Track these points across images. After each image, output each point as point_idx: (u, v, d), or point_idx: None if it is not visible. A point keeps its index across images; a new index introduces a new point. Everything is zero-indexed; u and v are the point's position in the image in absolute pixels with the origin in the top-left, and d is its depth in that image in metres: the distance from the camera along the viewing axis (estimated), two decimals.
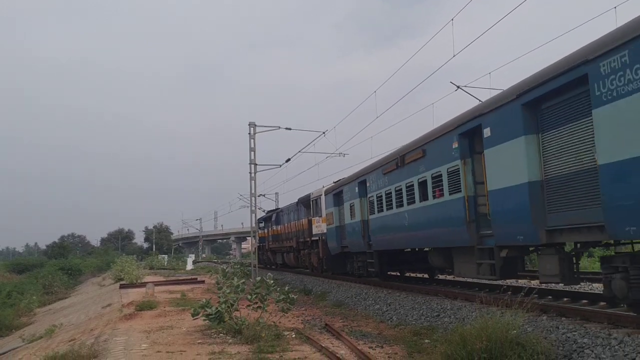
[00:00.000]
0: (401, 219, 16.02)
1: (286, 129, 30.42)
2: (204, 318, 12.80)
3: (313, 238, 27.49)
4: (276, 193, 63.06)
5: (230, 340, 11.60)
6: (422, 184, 14.50)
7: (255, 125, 28.75)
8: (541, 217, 9.71)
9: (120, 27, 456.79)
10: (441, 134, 13.35)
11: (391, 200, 16.76)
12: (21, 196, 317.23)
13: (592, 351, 7.68)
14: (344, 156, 33.99)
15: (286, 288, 13.58)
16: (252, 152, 28.63)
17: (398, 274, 20.95)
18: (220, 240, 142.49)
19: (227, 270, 16.84)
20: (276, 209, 41.34)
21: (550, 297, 11.93)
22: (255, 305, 12.93)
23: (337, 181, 24.06)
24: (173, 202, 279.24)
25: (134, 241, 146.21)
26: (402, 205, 15.91)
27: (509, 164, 10.43)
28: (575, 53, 8.76)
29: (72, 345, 12.51)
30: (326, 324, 13.52)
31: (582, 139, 8.76)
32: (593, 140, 8.31)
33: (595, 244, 10.05)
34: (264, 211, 49.49)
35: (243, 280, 14.19)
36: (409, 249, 18.50)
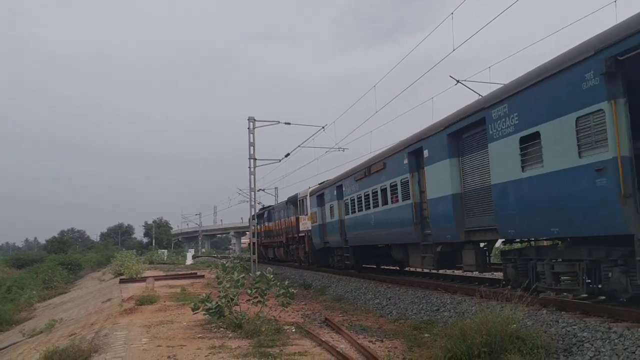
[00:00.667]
0: (369, 219, 19.02)
1: (285, 123, 30.35)
2: (204, 312, 12.82)
3: (300, 234, 30.37)
4: (275, 188, 62.97)
5: (230, 335, 11.61)
6: (384, 191, 17.50)
7: (255, 120, 28.70)
8: (461, 221, 12.81)
9: (120, 22, 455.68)
10: (397, 151, 16.51)
11: (361, 203, 19.76)
12: (21, 191, 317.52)
13: (592, 345, 7.70)
14: (343, 151, 33.95)
15: (286, 282, 13.59)
16: (252, 147, 28.59)
17: (374, 266, 23.56)
18: (219, 235, 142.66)
19: (227, 264, 16.86)
20: (268, 207, 43.70)
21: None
22: (255, 300, 12.95)
23: (321, 183, 27.09)
24: (172, 197, 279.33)
25: (133, 236, 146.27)
26: (369, 208, 18.93)
27: (440, 179, 13.54)
28: (479, 100, 12.28)
29: (73, 340, 12.51)
30: (326, 319, 13.54)
31: (484, 163, 11.82)
32: (489, 166, 11.38)
33: (494, 242, 13.39)
34: (262, 206, 49.46)
35: (243, 275, 14.21)
36: (378, 245, 20.54)
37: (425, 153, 14.39)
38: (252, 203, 30.24)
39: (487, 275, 16.04)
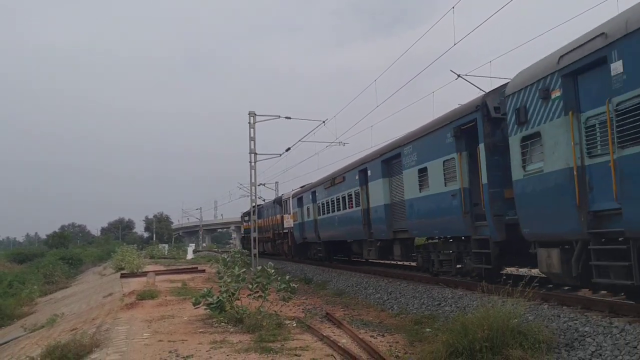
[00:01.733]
0: (335, 220, 24.08)
1: (286, 118, 30.26)
2: (205, 307, 12.83)
3: (284, 231, 35.05)
4: (276, 182, 62.94)
5: (231, 330, 11.62)
6: (344, 198, 22.68)
7: (255, 115, 28.61)
8: (390, 224, 17.97)
9: (119, 15, 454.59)
10: (351, 169, 21.70)
11: (329, 207, 24.85)
12: (21, 186, 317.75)
13: (594, 339, 7.69)
14: (343, 145, 33.95)
15: (287, 277, 13.59)
16: (252, 142, 28.53)
17: (347, 258, 27.87)
18: (220, 230, 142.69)
19: (227, 259, 16.87)
20: (258, 205, 44.45)
21: (550, 285, 11.91)
22: (256, 295, 12.95)
23: (303, 186, 31.82)
24: (173, 192, 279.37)
25: (134, 230, 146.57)
26: (334, 211, 24.07)
27: (377, 192, 18.74)
28: (397, 140, 17.20)
29: (74, 335, 12.54)
30: (327, 313, 13.55)
31: (401, 184, 16.71)
32: (404, 185, 16.37)
33: (413, 239, 17.39)
34: (263, 200, 49.53)
35: (244, 270, 14.21)
36: (342, 240, 25.16)
37: (369, 172, 19.61)
38: (253, 197, 30.23)
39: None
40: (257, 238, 29.20)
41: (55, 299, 32.70)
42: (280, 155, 33.33)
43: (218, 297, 12.64)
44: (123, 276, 29.96)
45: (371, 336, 10.66)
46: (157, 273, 27.20)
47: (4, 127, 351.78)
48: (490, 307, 8.55)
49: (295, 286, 13.55)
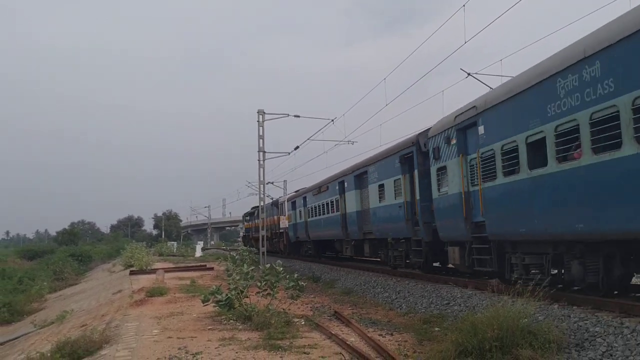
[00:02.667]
0: (321, 222, 28.37)
1: (295, 116, 30.19)
2: (214, 304, 12.87)
3: (280, 230, 38.02)
4: (284, 181, 62.78)
5: (240, 327, 11.65)
6: (328, 204, 26.89)
7: (264, 113, 28.60)
8: (361, 227, 22.09)
9: (123, 13, 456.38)
10: (333, 180, 26.07)
11: (317, 211, 29.05)
12: (31, 183, 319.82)
13: (604, 340, 7.64)
14: (352, 144, 33.85)
15: (295, 275, 13.59)
16: (261, 140, 28.52)
17: (335, 255, 30.58)
18: (228, 228, 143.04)
19: (236, 257, 16.92)
20: (256, 207, 48.36)
21: (560, 286, 11.84)
22: (265, 292, 12.97)
23: (297, 191, 35.84)
24: (182, 190, 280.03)
25: (143, 228, 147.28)
26: (321, 214, 28.29)
27: (352, 201, 22.94)
28: (364, 160, 21.77)
29: (84, 331, 12.61)
30: (335, 312, 13.55)
31: (367, 195, 20.75)
32: (369, 197, 20.39)
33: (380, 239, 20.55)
34: (272, 199, 49.78)
35: (252, 267, 14.23)
36: (328, 239, 28.83)
37: (346, 184, 24.02)
38: (262, 196, 30.25)
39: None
40: (265, 236, 29.25)
41: (64, 295, 32.92)
42: (289, 153, 33.37)
43: (227, 295, 12.67)
44: (132, 273, 30.11)
45: (380, 335, 10.65)
46: (166, 270, 27.31)
47: (13, 128, 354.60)
48: (500, 306, 8.52)
49: (304, 284, 13.56)
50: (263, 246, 28.59)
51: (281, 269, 13.40)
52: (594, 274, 9.51)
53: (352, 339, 10.17)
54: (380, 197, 19.28)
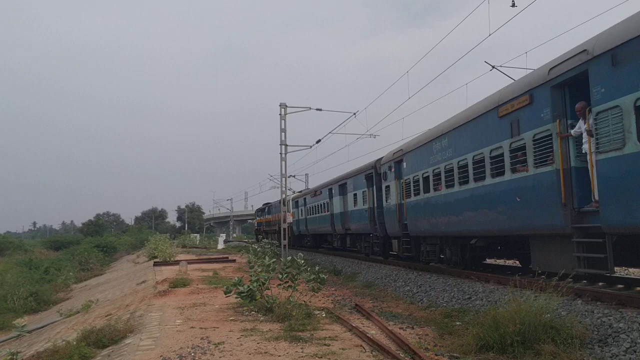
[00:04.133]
0: (316, 219, 34.89)
1: (317, 109, 30.18)
2: (236, 296, 12.96)
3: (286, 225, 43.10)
4: (306, 174, 62.97)
5: (261, 318, 11.74)
6: (321, 205, 33.38)
7: (286, 106, 28.64)
8: (344, 224, 28.30)
9: (150, 10, 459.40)
10: (324, 187, 32.63)
11: (313, 210, 35.53)
12: (58, 177, 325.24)
13: (628, 336, 7.56)
14: (374, 137, 33.84)
15: (316, 268, 13.63)
16: (283, 133, 28.58)
17: (331, 246, 34.94)
18: (250, 220, 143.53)
19: (258, 249, 17.05)
20: (267, 204, 58.06)
21: (585, 281, 11.73)
22: (286, 285, 13.03)
23: (300, 191, 43.76)
24: (205, 183, 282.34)
25: (166, 220, 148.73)
26: (316, 213, 34.92)
27: (337, 204, 29.42)
28: (345, 174, 28.51)
29: (109, 320, 12.82)
30: (356, 304, 13.57)
31: (347, 200, 27.60)
32: (347, 202, 27.73)
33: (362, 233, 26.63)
34: (293, 192, 50.09)
35: (274, 260, 14.32)
36: (321, 234, 35.51)
37: (333, 191, 30.52)
38: (283, 189, 30.37)
39: (518, 264, 16.86)
40: (285, 229, 29.37)
41: (89, 285, 33.46)
42: (311, 147, 33.42)
43: (248, 286, 12.76)
44: (156, 264, 30.47)
45: (400, 328, 10.65)
46: (189, 262, 27.60)
47: (44, 126, 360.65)
48: (523, 301, 8.45)
49: (325, 277, 13.58)
50: (285, 239, 28.72)
51: (302, 261, 13.47)
52: (456, 256, 16.16)
53: (373, 331, 10.18)
54: (355, 203, 26.11)
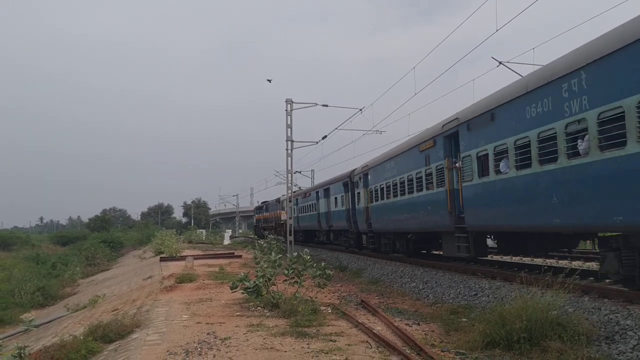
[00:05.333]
0: (306, 217, 38.75)
1: (323, 105, 30.14)
2: (242, 291, 13.01)
3: (281, 222, 45.59)
4: (312, 170, 62.89)
5: (267, 314, 11.77)
6: (310, 205, 37.44)
7: (292, 102, 28.61)
8: (328, 222, 32.53)
9: (156, 4, 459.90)
10: (313, 190, 37.52)
11: (304, 209, 39.59)
12: (65, 172, 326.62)
13: (636, 333, 7.53)
14: (380, 133, 33.68)
15: (322, 264, 13.63)
16: (289, 129, 28.58)
17: (322, 241, 37.80)
18: None
19: (264, 245, 17.09)
20: (265, 202, 62.71)
21: (592, 278, 11.67)
22: (292, 280, 13.05)
23: (295, 192, 43.49)
24: (211, 179, 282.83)
25: (173, 216, 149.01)
26: (306, 212, 38.83)
27: (322, 205, 33.58)
28: (329, 180, 33.94)
29: (116, 315, 12.90)
30: (362, 301, 13.58)
31: (330, 202, 31.81)
32: (330, 203, 31.98)
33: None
34: (299, 188, 50.39)
35: (280, 255, 14.33)
36: (311, 230, 39.52)
37: (319, 194, 34.53)
38: (289, 185, 30.38)
39: (526, 261, 17.53)
40: (292, 225, 29.38)
41: (96, 280, 33.61)
42: (317, 143, 33.48)
43: (255, 282, 12.80)
44: (162, 260, 30.60)
45: (406, 324, 10.65)
46: (195, 257, 27.67)
47: (51, 121, 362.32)
48: (529, 298, 8.45)
49: (331, 273, 13.58)
50: (290, 235, 28.74)
51: (308, 257, 13.47)
52: (402, 247, 21.06)
53: (379, 327, 10.19)
54: (336, 205, 30.67)
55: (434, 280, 15.45)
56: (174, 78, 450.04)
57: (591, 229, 10.05)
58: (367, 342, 8.95)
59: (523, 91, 11.24)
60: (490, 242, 15.70)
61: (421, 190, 17.18)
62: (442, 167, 15.45)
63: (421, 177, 17.15)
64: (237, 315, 11.74)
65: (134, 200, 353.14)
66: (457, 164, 14.57)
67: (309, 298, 12.77)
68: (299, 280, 13.01)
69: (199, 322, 10.86)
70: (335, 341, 8.96)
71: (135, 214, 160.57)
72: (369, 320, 11.05)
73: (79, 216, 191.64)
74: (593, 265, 15.22)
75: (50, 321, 19.00)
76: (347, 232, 28.81)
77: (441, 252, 18.41)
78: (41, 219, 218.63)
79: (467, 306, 11.98)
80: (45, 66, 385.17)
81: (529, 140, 10.83)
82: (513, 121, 11.48)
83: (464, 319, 10.62)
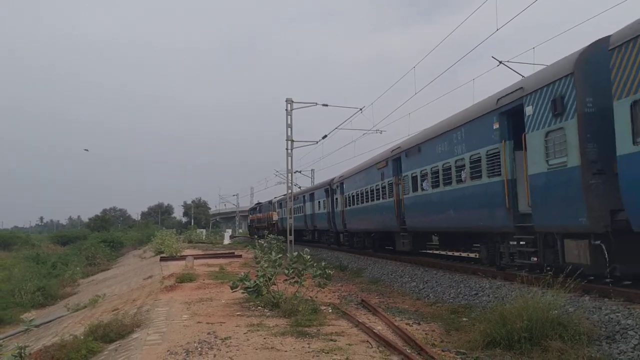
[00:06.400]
0: (295, 218, 36.16)
1: (323, 105, 30.07)
2: (242, 291, 13.00)
3: (273, 222, 51.16)
4: (312, 170, 62.90)
5: (268, 313, 11.76)
6: (297, 208, 40.18)
7: (292, 102, 28.57)
8: (313, 223, 37.57)
9: (158, 4, 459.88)
10: (300, 194, 41.61)
11: (294, 211, 37.29)
12: (65, 172, 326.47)
13: (636, 332, 7.52)
14: (380, 133, 33.61)
15: (323, 264, 13.63)
16: (289, 129, 28.55)
17: (310, 240, 40.63)
18: None
19: (264, 245, 17.09)
20: (259, 203, 67.23)
21: (592, 278, 11.63)
22: (293, 280, 13.04)
23: (284, 195, 45.84)
24: (211, 178, 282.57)
25: (173, 215, 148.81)
26: (296, 213, 39.12)
27: (309, 207, 38.41)
28: (312, 187, 42.83)
29: (116, 315, 12.89)
30: (362, 300, 13.58)
31: (314, 205, 36.66)
32: (315, 206, 37.02)
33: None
34: (299, 187, 50.59)
35: (280, 255, 14.31)
36: (299, 229, 40.62)
37: (306, 198, 38.93)
38: (289, 184, 30.37)
39: (525, 260, 16.67)
40: (292, 224, 29.39)
41: (96, 280, 33.63)
42: (317, 142, 33.45)
43: (255, 282, 12.79)
44: (162, 259, 30.63)
45: (407, 324, 10.64)
46: (196, 257, 27.70)
47: (51, 120, 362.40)
48: (530, 297, 8.45)
49: (331, 273, 13.57)
50: (291, 234, 28.73)
51: (309, 257, 13.46)
52: (369, 243, 25.51)
53: (379, 327, 10.18)
54: (319, 207, 35.01)
55: (435, 279, 15.44)
56: (174, 78, 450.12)
57: (471, 230, 14.69)
58: (367, 341, 8.94)
59: (436, 134, 16.22)
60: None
61: (379, 199, 22.09)
62: (392, 183, 20.30)
63: (379, 189, 22.11)
64: (237, 315, 11.73)
65: (134, 200, 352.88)
66: (400, 181, 19.36)
67: (310, 298, 12.76)
68: (299, 280, 13.00)
69: (199, 322, 10.85)
70: (335, 341, 8.96)
71: (135, 213, 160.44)
72: (369, 319, 11.05)
73: (79, 216, 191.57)
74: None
75: (50, 321, 19.00)
76: (328, 232, 33.62)
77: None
78: (41, 218, 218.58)
79: (468, 306, 11.98)
80: (45, 65, 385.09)
81: (438, 169, 15.73)
82: (430, 154, 16.44)
83: (464, 319, 10.62)
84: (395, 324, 10.13)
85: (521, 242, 11.99)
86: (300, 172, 57.19)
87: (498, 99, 12.45)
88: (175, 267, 24.32)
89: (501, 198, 12.06)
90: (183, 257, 28.13)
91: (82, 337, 10.39)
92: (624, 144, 8.50)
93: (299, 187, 50.92)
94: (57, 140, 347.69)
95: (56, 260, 43.33)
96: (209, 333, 9.67)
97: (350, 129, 33.26)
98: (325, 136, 32.94)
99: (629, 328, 7.71)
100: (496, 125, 12.50)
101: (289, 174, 30.02)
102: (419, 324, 10.77)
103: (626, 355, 7.19)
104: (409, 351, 8.06)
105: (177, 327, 10.46)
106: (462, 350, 8.24)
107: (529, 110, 11.15)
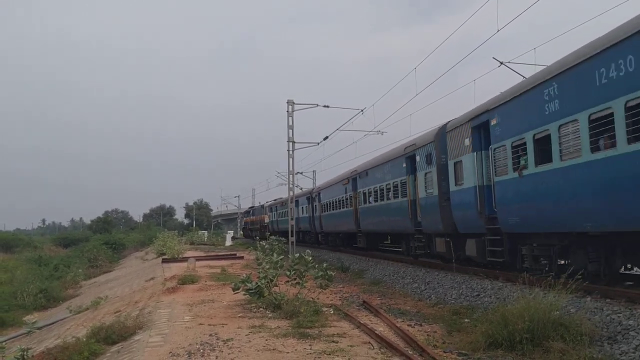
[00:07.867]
0: (283, 221, 43.52)
1: (324, 106, 30.03)
2: (244, 292, 13.01)
3: (265, 224, 56.32)
4: (314, 171, 62.92)
5: (269, 315, 11.77)
6: (284, 212, 43.11)
7: (294, 103, 28.57)
8: (298, 225, 38.38)
9: (157, 5, 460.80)
10: (286, 201, 38.95)
11: (281, 215, 46.86)
12: (67, 174, 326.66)
13: (638, 333, 7.53)
14: (382, 134, 33.61)
15: (324, 265, 13.63)
16: (290, 130, 28.55)
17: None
18: None
19: (266, 246, 17.10)
20: (252, 207, 76.69)
21: (594, 277, 11.64)
22: (294, 281, 13.04)
23: (276, 200, 55.62)
24: (212, 180, 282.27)
25: (174, 217, 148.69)
26: (282, 217, 45.46)
27: (297, 212, 39.67)
28: (297, 194, 41.37)
29: (118, 317, 12.91)
30: (364, 301, 13.58)
31: (299, 210, 41.43)
32: (299, 211, 41.59)
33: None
34: (300, 189, 50.60)
35: (282, 257, 14.32)
36: (286, 231, 41.27)
37: (300, 202, 41.28)
38: (291, 186, 30.39)
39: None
40: (293, 226, 29.42)
41: (99, 282, 33.65)
42: (318, 143, 33.50)
43: (257, 283, 12.79)
44: (164, 261, 30.61)
45: (408, 325, 10.65)
46: (197, 259, 27.67)
47: (52, 122, 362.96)
48: (532, 298, 8.45)
49: (332, 274, 13.57)
50: (292, 236, 28.74)
51: (310, 258, 13.47)
52: (340, 243, 32.64)
53: (381, 328, 10.19)
54: (303, 212, 40.26)
55: (436, 281, 15.45)
56: (174, 78, 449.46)
57: (395, 231, 22.67)
58: (369, 343, 8.95)
59: (377, 164, 23.04)
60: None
61: (344, 207, 28.81)
62: (352, 196, 26.84)
63: (343, 200, 28.71)
64: (239, 316, 11.74)
65: (136, 201, 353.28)
66: (357, 195, 25.74)
67: (311, 299, 12.76)
68: (300, 282, 13.00)
69: (201, 324, 10.87)
70: (337, 342, 8.97)
71: (137, 215, 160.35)
72: (371, 321, 11.05)
73: (81, 218, 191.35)
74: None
75: (52, 323, 19.03)
76: (310, 233, 39.74)
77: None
78: (43, 220, 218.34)
79: (470, 307, 11.98)
80: (48, 67, 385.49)
81: (377, 189, 22.52)
82: (373, 178, 23.33)
83: (466, 320, 10.62)
84: (397, 325, 10.13)
85: (422, 240, 18.49)
86: (301, 173, 57.26)
87: (405, 148, 19.48)
88: (177, 268, 24.34)
89: (407, 211, 18.87)
90: (185, 259, 28.15)
91: (84, 339, 10.42)
92: (452, 184, 15.44)
93: (301, 189, 50.93)
94: (58, 143, 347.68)
95: (58, 263, 43.36)
96: (210, 335, 9.68)
97: (351, 130, 33.26)
98: (327, 137, 32.95)
99: (631, 329, 7.71)
100: (404, 165, 19.24)
101: (290, 176, 30.05)
102: (420, 325, 10.77)
103: (628, 356, 7.19)
104: (410, 352, 8.07)
105: (179, 328, 10.48)
106: (464, 352, 8.25)
107: (418, 158, 18.00)
